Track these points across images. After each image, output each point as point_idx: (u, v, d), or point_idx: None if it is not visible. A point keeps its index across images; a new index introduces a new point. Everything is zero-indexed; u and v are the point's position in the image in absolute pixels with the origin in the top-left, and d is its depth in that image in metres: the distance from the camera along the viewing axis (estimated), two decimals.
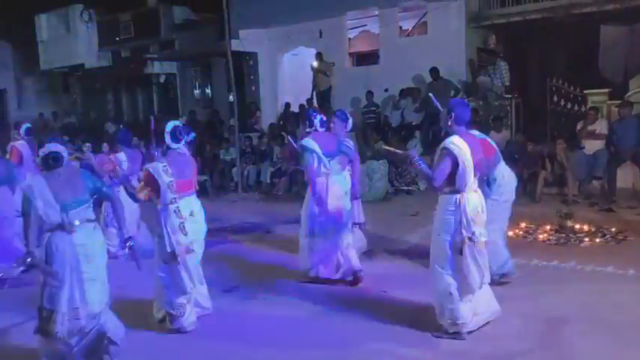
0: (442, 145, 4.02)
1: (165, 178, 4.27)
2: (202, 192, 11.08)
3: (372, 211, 9.21)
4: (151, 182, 4.32)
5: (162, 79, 16.89)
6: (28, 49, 19.22)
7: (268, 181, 11.46)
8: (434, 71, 11.38)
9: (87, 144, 10.83)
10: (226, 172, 12.16)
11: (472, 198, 4.08)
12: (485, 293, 4.25)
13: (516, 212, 7.94)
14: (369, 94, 12.51)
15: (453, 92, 11.35)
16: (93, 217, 3.96)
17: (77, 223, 3.80)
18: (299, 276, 5.67)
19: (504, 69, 11.08)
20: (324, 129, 5.66)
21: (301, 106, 13.81)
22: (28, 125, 8.14)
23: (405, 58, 12.17)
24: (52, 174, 3.85)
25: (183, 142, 4.51)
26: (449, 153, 3.96)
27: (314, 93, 13.63)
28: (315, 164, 5.42)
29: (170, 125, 4.43)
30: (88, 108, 18.87)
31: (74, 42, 17.74)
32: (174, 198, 4.32)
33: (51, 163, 3.84)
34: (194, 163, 4.72)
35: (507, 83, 11.11)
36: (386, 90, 12.74)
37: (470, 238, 3.99)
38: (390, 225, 7.77)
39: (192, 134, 7.60)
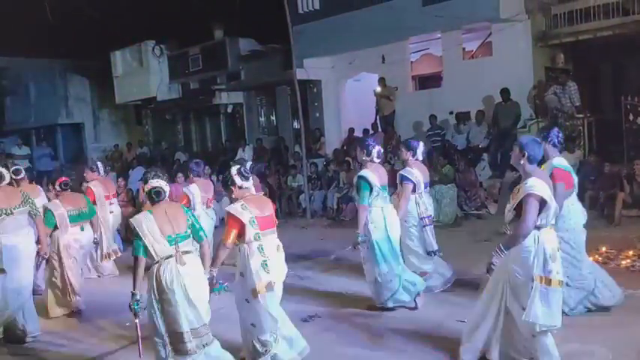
0: (524, 192, 3.91)
1: (246, 215, 4.33)
2: None
3: (442, 237, 9.09)
4: (234, 223, 4.35)
5: (229, 109, 17.44)
6: (105, 84, 20.35)
7: (335, 206, 11.56)
8: (504, 92, 11.22)
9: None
10: (293, 198, 12.37)
11: (550, 235, 4.00)
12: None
13: (595, 237, 7.70)
14: (433, 117, 12.46)
15: (514, 118, 11.15)
16: (193, 250, 4.33)
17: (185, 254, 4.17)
18: (374, 304, 5.71)
19: (574, 88, 10.80)
20: (379, 160, 5.76)
21: (365, 131, 13.95)
22: (100, 163, 8.69)
23: (470, 80, 12.07)
24: (157, 209, 4.20)
25: (251, 179, 4.55)
26: (536, 198, 3.88)
27: (377, 118, 13.72)
28: (372, 195, 5.51)
29: (234, 168, 4.50)
30: (160, 138, 19.71)
31: (147, 76, 18.63)
32: (258, 234, 4.34)
33: (154, 197, 4.22)
34: (270, 201, 4.77)
35: (578, 103, 10.81)
36: (450, 113, 12.66)
37: (546, 278, 3.89)
38: (462, 252, 7.62)
39: (249, 162, 7.90)
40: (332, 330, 5.32)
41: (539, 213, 3.91)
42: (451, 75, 12.79)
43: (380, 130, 13.59)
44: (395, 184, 6.23)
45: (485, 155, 11.46)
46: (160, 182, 4.26)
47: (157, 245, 4.10)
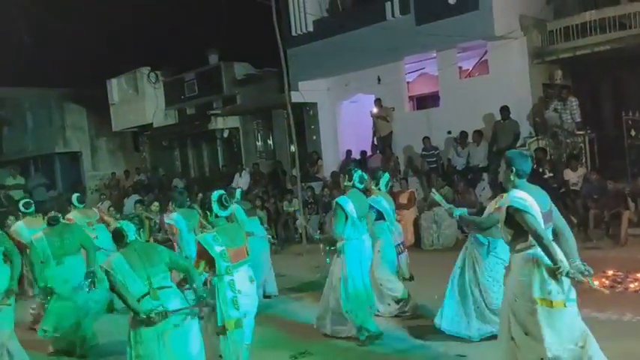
0: (507, 202, 3.64)
1: (216, 248, 4.22)
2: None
3: (442, 261, 8.80)
4: (203, 254, 4.27)
5: (225, 134, 17.27)
6: (101, 112, 20.25)
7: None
8: (504, 110, 11.00)
9: (155, 203, 11.17)
10: (290, 223, 12.09)
11: None
12: None
13: (601, 258, 7.43)
14: (426, 139, 12.26)
15: (513, 136, 10.92)
16: (172, 284, 4.16)
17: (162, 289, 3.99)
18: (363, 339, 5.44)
19: (575, 104, 10.60)
20: (362, 186, 5.57)
21: (362, 153, 13.73)
22: (79, 195, 8.41)
23: (467, 98, 11.87)
24: (127, 250, 4.04)
25: (229, 209, 4.50)
26: (521, 211, 3.57)
27: (374, 139, 13.51)
28: (347, 224, 5.39)
29: (216, 194, 4.41)
30: (157, 165, 19.53)
31: (142, 103, 18.53)
32: (229, 267, 4.24)
33: (116, 239, 4.12)
34: (242, 230, 4.67)
35: (579, 119, 10.59)
36: (449, 132, 12.44)
37: (546, 300, 3.58)
38: None
39: (239, 191, 7.74)
40: None
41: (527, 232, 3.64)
42: (448, 94, 12.61)
43: (378, 151, 13.37)
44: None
45: (485, 175, 11.19)
46: (121, 223, 4.17)
47: (131, 285, 3.91)
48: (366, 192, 6.09)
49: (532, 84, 11.54)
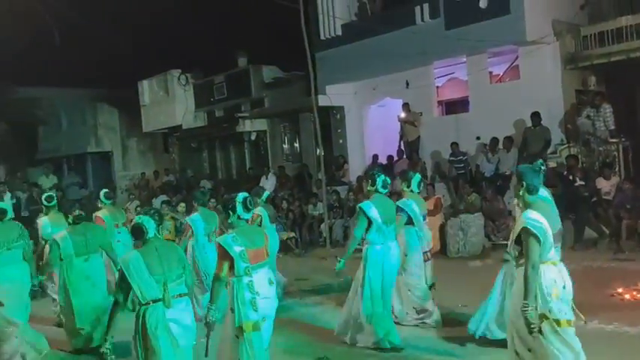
0: (522, 223, 3.65)
1: (236, 248, 4.15)
2: (288, 249, 11.22)
3: (468, 269, 8.67)
4: (224, 255, 4.19)
5: (253, 137, 17.38)
6: (133, 113, 20.60)
7: None
8: (535, 116, 10.78)
9: (182, 204, 11.27)
10: (314, 227, 12.07)
11: (550, 270, 3.68)
12: None
13: (632, 269, 7.21)
14: (454, 144, 12.09)
15: (544, 143, 10.68)
16: (186, 291, 4.13)
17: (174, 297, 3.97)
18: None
19: (609, 111, 10.32)
20: (386, 191, 5.45)
21: (389, 158, 13.63)
22: (107, 190, 8.56)
23: (497, 104, 11.68)
24: (148, 249, 4.00)
25: (252, 212, 4.46)
26: (533, 234, 3.61)
27: (401, 143, 13.40)
28: (372, 229, 5.28)
29: (241, 196, 4.35)
30: (186, 166, 19.75)
31: (173, 105, 18.77)
32: (248, 268, 4.16)
33: (135, 235, 4.05)
34: (263, 232, 4.61)
35: (613, 126, 10.32)
36: (478, 138, 12.25)
37: (545, 316, 3.57)
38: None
39: (267, 193, 7.70)
40: None
41: None
42: (478, 99, 12.43)
43: (405, 156, 13.25)
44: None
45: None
46: (142, 218, 4.06)
47: (145, 287, 3.88)
48: (394, 195, 6.00)
49: (564, 90, 11.29)
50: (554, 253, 3.71)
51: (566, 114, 11.26)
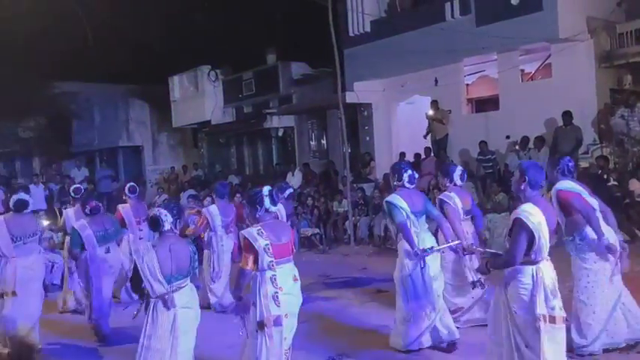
0: (515, 214, 3.70)
1: (261, 242, 4.11)
2: (312, 245, 11.22)
3: (493, 270, 8.51)
4: (249, 248, 4.15)
5: (280, 133, 17.44)
6: (163, 108, 20.89)
7: (382, 233, 11.11)
8: (567, 115, 10.52)
9: (208, 198, 11.38)
10: (339, 224, 12.04)
11: (547, 269, 3.72)
12: None
13: None
14: (483, 143, 11.88)
15: (575, 142, 10.42)
16: (189, 281, 4.18)
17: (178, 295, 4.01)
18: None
19: None
20: (413, 185, 5.35)
21: (416, 155, 13.50)
22: (132, 184, 8.64)
23: (528, 102, 11.44)
24: (162, 245, 4.04)
25: (278, 204, 4.44)
26: (524, 227, 3.64)
27: (428, 138, 13.22)
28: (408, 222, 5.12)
29: (267, 189, 4.32)
30: (214, 161, 19.96)
31: (202, 100, 18.99)
32: (272, 262, 4.12)
33: (151, 226, 4.09)
34: (289, 227, 4.58)
35: None
36: (507, 137, 12.03)
37: (550, 316, 3.62)
38: None
39: (290, 189, 7.71)
40: None
41: (531, 247, 3.66)
42: (508, 98, 12.19)
43: (432, 154, 13.11)
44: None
45: (543, 183, 10.72)
46: (160, 211, 4.08)
47: (155, 284, 3.94)
48: (435, 190, 5.87)
49: (598, 89, 10.99)
50: (547, 249, 3.74)
51: (600, 113, 10.96)
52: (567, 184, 4.74)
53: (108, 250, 6.21)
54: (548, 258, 3.79)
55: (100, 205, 6.41)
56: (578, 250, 4.74)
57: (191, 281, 4.23)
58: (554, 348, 3.63)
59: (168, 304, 3.92)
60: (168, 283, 3.96)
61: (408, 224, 5.09)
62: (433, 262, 5.21)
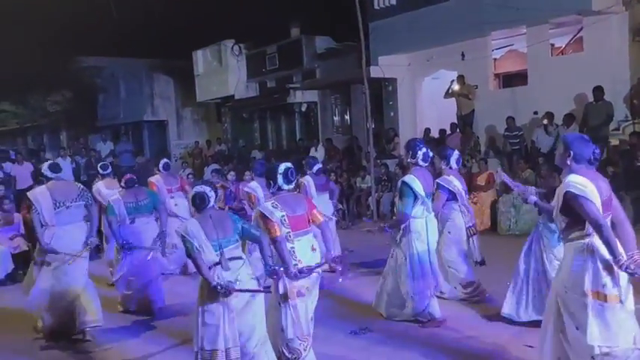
0: (564, 189, 3.36)
1: (277, 214, 4.17)
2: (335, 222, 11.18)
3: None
4: (268, 221, 4.20)
5: (303, 108, 17.35)
6: (187, 83, 20.95)
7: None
8: (598, 90, 10.23)
9: (232, 172, 11.44)
10: (362, 200, 12.00)
11: (602, 244, 3.39)
12: None
13: None
14: (510, 119, 11.64)
15: (605, 118, 10.14)
16: (242, 255, 4.16)
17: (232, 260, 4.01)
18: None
19: None
20: (426, 164, 5.32)
21: (442, 131, 13.33)
22: (166, 161, 8.74)
23: (558, 78, 11.14)
24: (203, 216, 4.04)
25: (293, 183, 4.44)
26: (581, 196, 3.30)
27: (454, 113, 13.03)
28: (417, 204, 5.19)
29: (282, 167, 4.36)
30: (237, 136, 20.00)
31: (226, 75, 18.97)
32: (289, 234, 4.18)
33: (198, 202, 4.07)
34: (305, 199, 4.60)
35: None
36: (535, 113, 11.77)
37: (600, 293, 3.31)
38: None
39: (318, 165, 7.68)
40: (384, 344, 4.93)
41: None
42: (537, 72, 11.89)
43: (457, 130, 12.92)
44: (470, 187, 5.97)
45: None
46: (203, 188, 4.12)
47: (204, 252, 3.94)
48: (435, 173, 5.94)
49: (632, 63, 10.62)
50: None
51: (632, 89, 10.63)
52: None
53: (133, 221, 6.29)
54: None
55: (135, 177, 6.49)
56: None
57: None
58: (604, 328, 3.32)
59: (223, 265, 3.93)
60: (216, 249, 3.95)
61: (420, 211, 5.22)
62: (433, 236, 5.36)
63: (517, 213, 9.54)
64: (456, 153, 6.08)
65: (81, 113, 23.58)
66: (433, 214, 5.44)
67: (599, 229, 3.28)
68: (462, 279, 5.90)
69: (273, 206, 4.21)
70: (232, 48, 18.75)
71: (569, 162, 3.49)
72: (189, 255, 4.01)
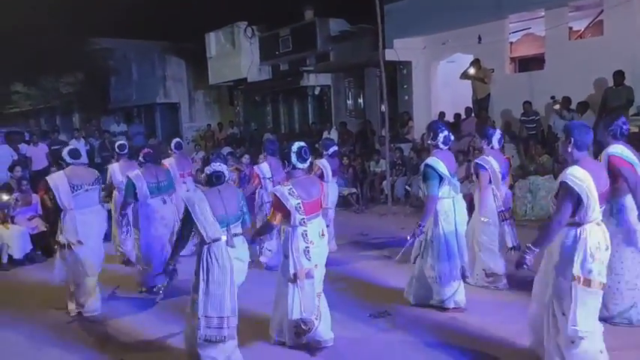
0: (561, 178, 3.60)
1: (292, 201, 4.23)
2: (348, 205, 11.19)
3: (534, 233, 8.39)
4: (279, 207, 4.30)
5: (316, 91, 17.24)
6: (199, 65, 20.89)
7: (419, 194, 10.99)
8: (618, 75, 10.04)
9: (246, 155, 11.42)
10: (376, 184, 11.96)
11: (594, 231, 3.61)
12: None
13: None
14: (527, 103, 11.50)
15: (625, 103, 9.98)
16: (241, 231, 4.32)
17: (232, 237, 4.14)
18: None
19: None
20: (446, 147, 5.26)
21: (457, 116, 13.21)
22: (178, 140, 8.75)
23: (576, 62, 10.97)
24: (211, 191, 4.15)
25: (308, 162, 4.46)
26: (570, 190, 3.54)
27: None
28: (443, 185, 5.12)
29: (296, 145, 4.38)
30: (249, 119, 19.95)
31: (238, 57, 18.86)
32: (303, 219, 4.27)
33: (214, 180, 4.16)
34: (320, 183, 4.62)
35: None
36: (552, 97, 11.60)
37: (585, 278, 3.54)
38: None
39: (334, 147, 7.64)
40: (402, 329, 4.93)
41: (577, 208, 3.57)
42: (555, 56, 11.71)
43: (473, 114, 12.80)
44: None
45: (590, 147, 10.35)
46: (221, 166, 4.22)
47: (209, 227, 4.01)
48: (476, 152, 5.86)
49: None
50: (598, 213, 3.65)
51: None
52: (619, 150, 4.51)
53: (164, 202, 6.34)
54: (601, 222, 3.69)
55: (153, 151, 6.49)
56: (615, 219, 4.57)
57: (243, 231, 4.34)
58: (585, 312, 3.56)
59: (229, 242, 4.05)
60: (222, 225, 4.06)
61: (447, 192, 5.14)
62: (460, 216, 5.26)
63: (533, 198, 9.46)
64: (498, 132, 5.94)
65: (93, 95, 23.63)
66: (461, 194, 5.34)
67: (553, 228, 3.62)
68: (488, 267, 5.79)
69: (289, 193, 4.25)
70: (245, 30, 18.62)
71: (570, 149, 3.68)
72: (183, 220, 4.13)
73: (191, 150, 16.89)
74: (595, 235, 3.62)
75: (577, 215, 3.60)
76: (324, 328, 4.44)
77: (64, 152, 5.75)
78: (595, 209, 3.61)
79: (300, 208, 4.24)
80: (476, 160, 5.75)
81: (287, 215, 4.27)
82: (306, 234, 4.27)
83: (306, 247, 4.26)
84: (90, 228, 5.59)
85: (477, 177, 5.70)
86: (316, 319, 4.36)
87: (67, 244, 5.51)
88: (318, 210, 4.43)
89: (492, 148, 5.82)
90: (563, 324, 3.61)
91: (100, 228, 5.77)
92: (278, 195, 4.27)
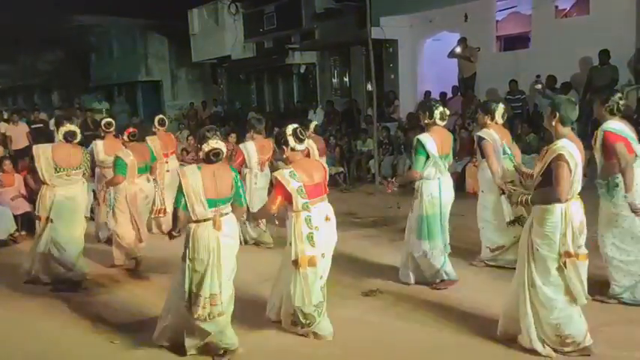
0: (556, 150, 3.62)
1: (294, 184, 4.10)
2: (335, 184, 11.18)
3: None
4: (281, 190, 4.15)
5: (302, 69, 17.10)
6: (182, 43, 20.57)
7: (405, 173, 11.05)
8: (603, 54, 10.10)
9: (232, 134, 11.32)
10: (363, 163, 11.97)
11: (577, 208, 3.73)
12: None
13: None
14: (513, 82, 11.54)
15: (610, 82, 10.06)
16: (230, 210, 4.13)
17: (222, 216, 3.98)
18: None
19: None
20: (444, 123, 5.23)
21: (442, 94, 13.22)
22: (162, 117, 8.70)
23: (562, 41, 11.00)
24: (207, 169, 3.98)
25: (305, 143, 4.34)
26: (567, 162, 3.59)
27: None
28: (428, 163, 5.09)
29: (290, 127, 4.26)
30: (234, 98, 19.76)
31: (222, 34, 18.59)
32: (306, 203, 4.13)
33: (212, 158, 3.98)
34: (322, 166, 4.50)
35: None
36: (537, 76, 11.65)
37: (576, 253, 3.68)
38: None
39: (315, 123, 7.53)
40: (396, 306, 4.97)
41: None
42: (540, 35, 11.74)
43: (459, 93, 12.81)
44: (473, 151, 5.82)
45: (574, 124, 10.44)
46: (219, 143, 4.02)
47: (197, 207, 3.90)
48: (479, 126, 5.83)
49: (638, 27, 10.50)
50: (577, 189, 3.74)
51: (637, 53, 10.53)
52: (616, 126, 4.55)
53: (148, 180, 6.35)
54: (579, 197, 3.77)
55: (136, 131, 6.41)
56: (610, 195, 4.61)
57: (239, 212, 4.23)
58: (580, 283, 3.73)
59: (216, 224, 3.91)
60: (210, 206, 3.92)
61: (432, 173, 5.12)
62: (447, 193, 5.23)
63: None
64: (501, 106, 5.76)
65: (73, 73, 23.18)
66: (449, 174, 5.31)
67: (555, 199, 3.63)
68: (491, 242, 5.78)
69: (291, 175, 4.12)
70: (229, 7, 18.33)
71: (554, 123, 3.75)
72: (179, 190, 3.97)
73: (175, 129, 16.68)
74: (578, 210, 3.73)
75: None
76: (325, 324, 4.36)
77: (60, 133, 5.73)
78: (579, 185, 3.71)
79: (302, 191, 4.10)
80: (477, 133, 5.68)
81: (289, 199, 4.12)
82: (310, 219, 4.12)
83: (310, 233, 4.11)
84: (70, 206, 5.65)
85: (481, 151, 5.58)
86: (318, 315, 4.27)
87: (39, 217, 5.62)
88: (322, 194, 4.27)
89: (496, 123, 5.70)
90: (544, 293, 3.74)
91: (80, 204, 5.80)
92: (279, 178, 4.14)
